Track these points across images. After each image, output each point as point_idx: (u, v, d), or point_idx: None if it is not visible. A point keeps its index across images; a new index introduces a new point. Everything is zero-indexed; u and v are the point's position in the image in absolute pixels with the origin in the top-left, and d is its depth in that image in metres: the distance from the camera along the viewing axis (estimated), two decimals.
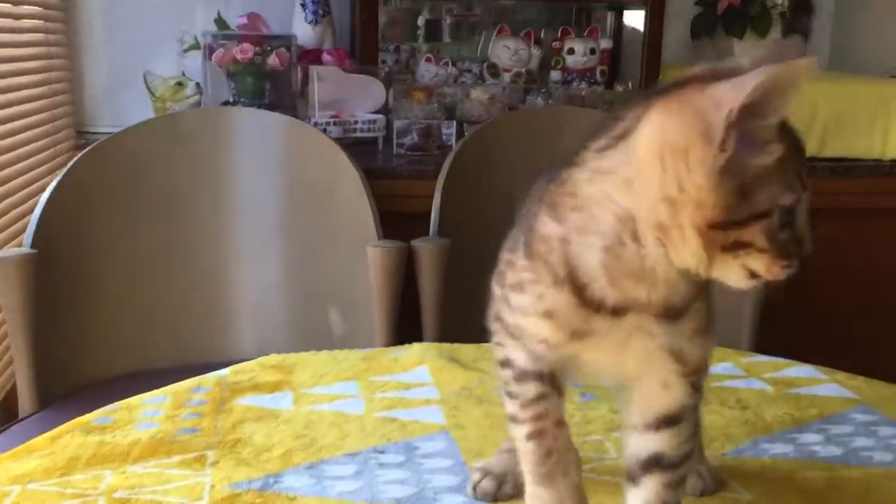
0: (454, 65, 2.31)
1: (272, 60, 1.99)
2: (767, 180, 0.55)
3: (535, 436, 0.67)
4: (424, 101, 2.13)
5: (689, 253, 0.56)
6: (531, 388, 0.66)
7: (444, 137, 2.09)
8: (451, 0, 2.28)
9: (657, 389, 0.64)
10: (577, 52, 2.31)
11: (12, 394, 1.61)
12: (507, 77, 2.31)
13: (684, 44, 2.42)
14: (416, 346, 1.14)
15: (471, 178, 1.84)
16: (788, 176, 0.56)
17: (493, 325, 0.68)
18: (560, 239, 0.60)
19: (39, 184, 1.92)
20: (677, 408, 0.64)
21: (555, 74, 2.34)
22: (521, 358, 0.66)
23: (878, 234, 2.08)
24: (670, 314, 0.61)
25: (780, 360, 1.11)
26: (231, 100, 2.04)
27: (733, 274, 0.57)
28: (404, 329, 1.67)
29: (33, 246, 1.55)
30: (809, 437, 0.93)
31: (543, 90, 2.26)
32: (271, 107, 1.99)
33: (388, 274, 1.65)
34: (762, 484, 0.82)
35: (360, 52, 2.18)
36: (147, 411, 0.93)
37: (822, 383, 1.07)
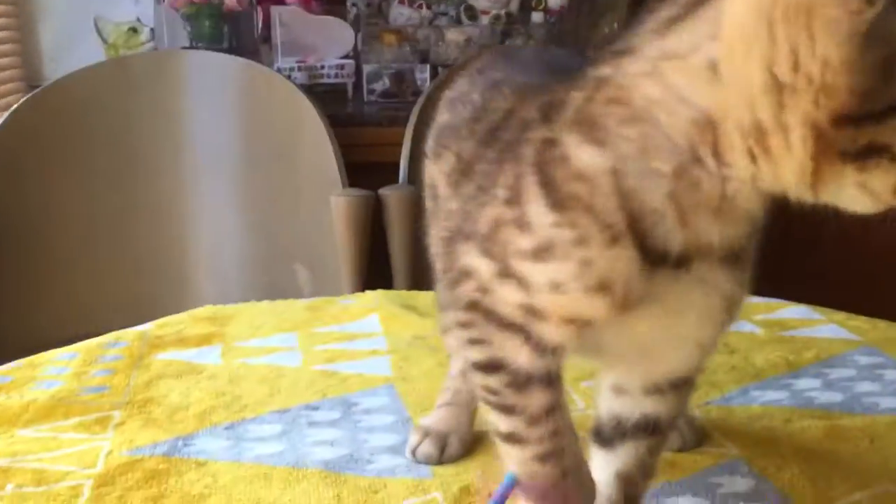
0: (429, 7, 2.18)
1: (230, 1, 1.85)
2: None
3: (549, 458, 0.49)
4: (396, 44, 2.00)
5: (792, 167, 0.40)
6: (539, 398, 0.48)
7: (418, 82, 1.97)
8: None
9: (688, 350, 0.49)
10: None
11: None
12: (485, 19, 2.18)
13: None
14: (368, 294, 1.03)
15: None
16: None
17: (462, 316, 0.48)
18: (609, 171, 0.42)
19: None
20: (695, 369, 0.51)
21: (536, 16, 2.21)
22: (522, 357, 0.46)
23: None
24: (733, 258, 0.45)
25: (773, 301, 1.00)
26: (189, 45, 1.91)
27: (848, 196, 0.41)
28: (376, 284, 1.57)
29: None
30: (806, 383, 0.82)
31: (524, 32, 2.13)
32: (231, 52, 1.86)
33: (354, 225, 1.54)
34: (752, 435, 0.71)
35: None
36: (52, 369, 0.82)
37: (819, 324, 0.95)
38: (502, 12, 2.19)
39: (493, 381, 0.48)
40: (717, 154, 0.41)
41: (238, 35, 1.92)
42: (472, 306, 0.47)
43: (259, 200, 1.67)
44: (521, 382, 0.47)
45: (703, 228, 0.43)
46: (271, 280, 1.66)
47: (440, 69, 1.97)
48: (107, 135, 1.64)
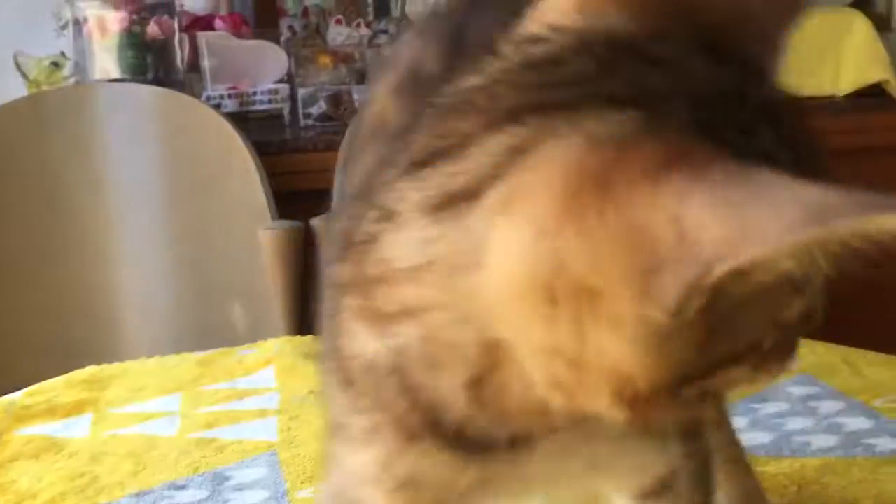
0: (368, 26, 2.11)
1: (152, 29, 1.78)
2: (761, 295, 0.30)
3: None
4: (332, 65, 1.94)
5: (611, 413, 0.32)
6: None
7: (356, 104, 1.90)
8: None
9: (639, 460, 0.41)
10: None
11: None
12: None
13: None
14: (269, 343, 0.95)
15: None
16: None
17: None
18: (391, 370, 0.34)
19: None
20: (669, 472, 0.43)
21: None
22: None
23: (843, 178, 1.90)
24: None
25: None
26: (113, 78, 1.83)
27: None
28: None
29: None
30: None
31: None
32: (157, 82, 1.79)
33: (283, 259, 1.46)
34: None
35: (258, 17, 1.98)
36: None
37: None
38: None
39: None
40: (520, 377, 0.32)
41: (164, 65, 1.85)
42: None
43: (188, 236, 1.60)
44: None
45: (534, 420, 0.34)
46: (205, 319, 1.59)
47: None
48: (24, 174, 1.57)
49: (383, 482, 0.36)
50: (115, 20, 1.76)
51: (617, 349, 0.29)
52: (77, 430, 0.76)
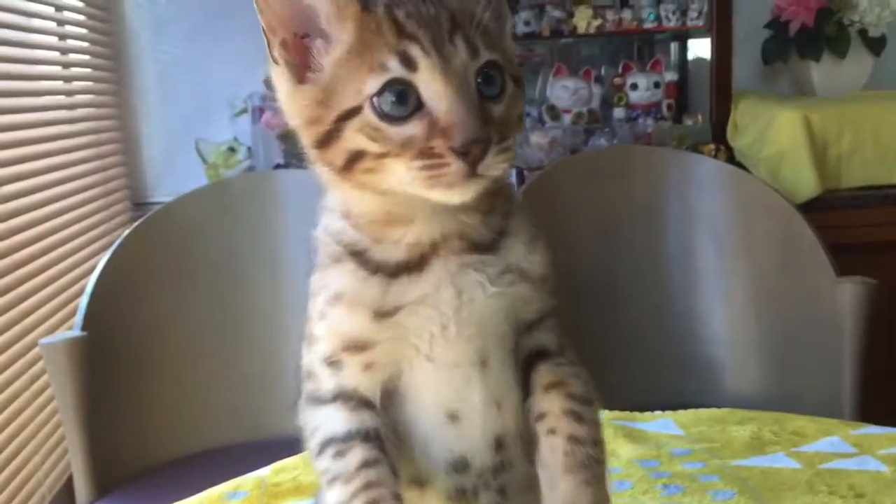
0: None
1: None
2: (347, 69, 0.51)
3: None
4: None
5: (333, 183, 0.54)
6: (355, 455, 0.54)
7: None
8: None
9: (500, 310, 0.56)
10: (641, 87, 2.20)
11: (72, 482, 1.56)
12: (567, 118, 2.21)
13: (756, 70, 2.28)
14: None
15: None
16: (382, 49, 0.49)
17: (301, 412, 0.57)
18: (329, 229, 0.56)
19: (93, 261, 1.89)
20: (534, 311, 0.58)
21: (618, 112, 2.23)
22: (339, 422, 0.55)
23: None
24: (486, 246, 0.55)
25: (894, 432, 0.96)
26: (283, 162, 1.99)
27: (386, 186, 0.51)
28: None
29: (84, 327, 1.49)
30: None
31: (606, 129, 2.15)
32: None
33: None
34: None
35: None
36: None
37: None
38: (584, 110, 2.22)
39: (325, 459, 0.54)
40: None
41: None
42: (309, 400, 0.56)
43: None
44: (342, 449, 0.54)
45: (397, 237, 0.54)
46: None
47: (526, 172, 1.99)
48: (209, 254, 1.69)
49: (331, 303, 0.55)
50: None
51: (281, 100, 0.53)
52: None
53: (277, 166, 1.99)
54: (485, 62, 0.51)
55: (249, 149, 2.03)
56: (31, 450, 1.58)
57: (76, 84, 1.98)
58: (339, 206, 0.56)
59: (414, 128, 0.49)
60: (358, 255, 0.54)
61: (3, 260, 1.50)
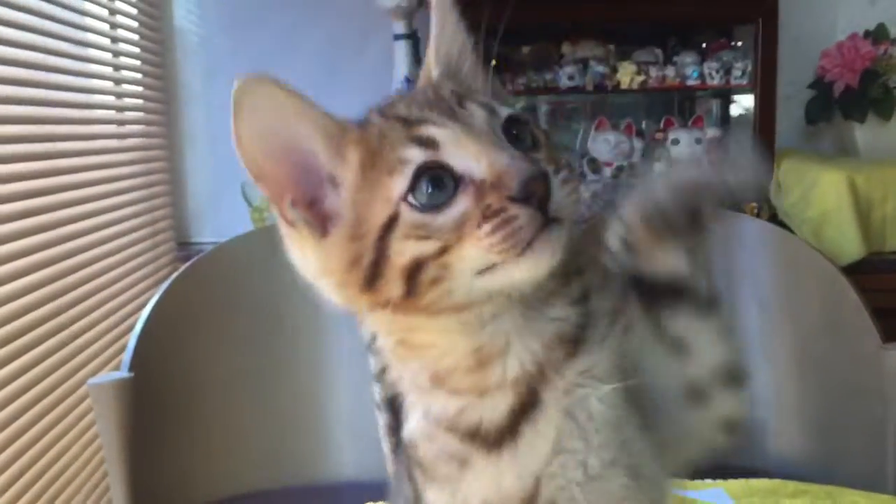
0: None
1: None
2: (366, 190, 0.46)
3: None
4: None
5: (404, 346, 0.50)
6: None
7: None
8: (547, 92, 2.23)
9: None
10: (682, 143, 2.21)
11: None
12: (608, 171, 2.22)
13: (799, 128, 2.28)
14: None
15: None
16: (396, 148, 0.46)
17: None
18: (424, 428, 0.51)
19: (140, 299, 1.92)
20: None
21: (659, 167, 2.24)
22: None
23: None
24: (577, 341, 0.48)
25: None
26: None
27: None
28: None
29: (131, 368, 1.52)
30: None
31: None
32: None
33: None
34: None
35: None
36: None
37: None
38: (625, 164, 2.23)
39: None
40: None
41: None
42: None
43: None
44: None
45: (497, 379, 0.48)
46: None
47: None
48: (254, 299, 1.71)
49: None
50: None
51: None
52: None
53: None
54: (506, 117, 0.48)
55: None
56: (73, 489, 1.60)
57: (128, 128, 2.03)
58: (424, 381, 0.49)
59: (462, 204, 0.44)
60: (477, 436, 0.47)
61: (54, 302, 1.53)
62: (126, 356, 1.53)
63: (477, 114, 0.47)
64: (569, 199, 0.45)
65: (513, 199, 0.43)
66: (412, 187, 0.45)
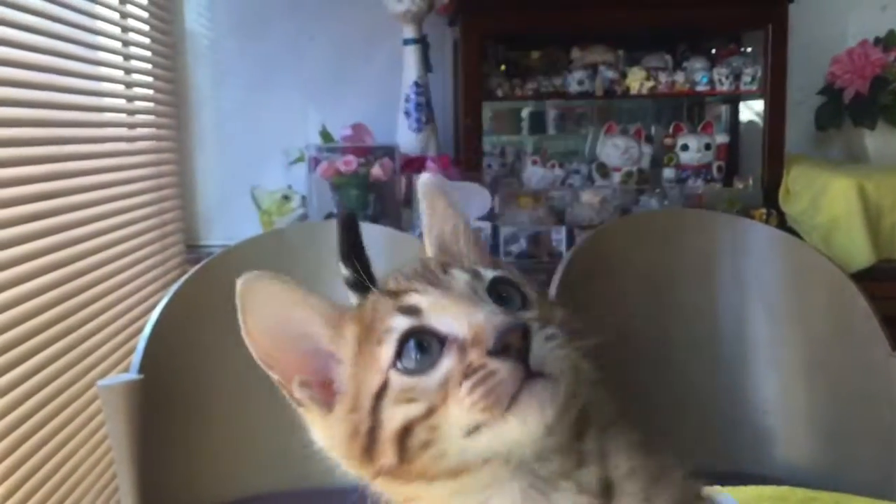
0: (561, 166, 2.25)
1: (376, 171, 1.96)
2: (361, 363, 0.48)
3: None
4: (531, 206, 2.07)
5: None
6: None
7: (553, 244, 2.01)
8: (556, 97, 2.23)
9: None
10: (692, 148, 2.21)
11: None
12: (617, 176, 2.22)
13: (809, 135, 2.28)
14: None
15: (584, 288, 1.74)
16: (384, 319, 0.48)
17: None
18: None
19: (149, 302, 1.92)
20: None
21: (668, 172, 2.24)
22: None
23: None
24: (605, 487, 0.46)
25: None
26: (335, 212, 2.02)
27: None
28: None
29: (141, 370, 1.52)
30: None
31: (657, 190, 2.16)
32: (375, 218, 1.96)
33: None
34: None
35: (465, 159, 2.14)
36: None
37: None
38: (634, 169, 2.23)
39: None
40: None
41: (382, 201, 2.03)
42: None
43: None
44: None
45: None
46: None
47: (576, 230, 2.01)
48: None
49: None
50: (344, 163, 1.95)
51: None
52: None
53: (329, 215, 2.03)
54: (492, 279, 0.49)
55: (304, 197, 2.07)
56: (83, 490, 1.60)
57: (139, 131, 2.04)
58: None
59: (446, 364, 0.45)
60: None
61: (64, 304, 1.54)
62: (136, 358, 1.54)
63: (459, 277, 0.48)
64: (554, 354, 0.44)
65: (491, 354, 0.43)
66: (399, 353, 0.46)
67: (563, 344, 0.44)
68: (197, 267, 1.71)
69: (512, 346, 0.43)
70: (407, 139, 2.13)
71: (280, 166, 2.18)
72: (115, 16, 1.91)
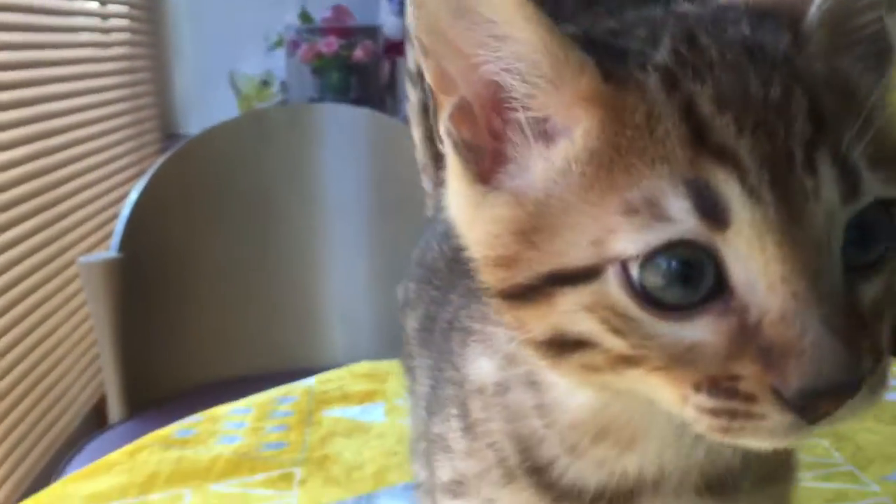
0: None
1: (358, 53, 1.92)
2: (576, 189, 0.29)
3: None
4: None
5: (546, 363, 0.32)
6: None
7: None
8: None
9: None
10: None
11: (104, 400, 1.59)
12: None
13: None
14: None
15: None
16: (656, 169, 0.27)
17: None
18: (497, 386, 0.36)
19: (127, 187, 1.90)
20: None
21: None
22: None
23: None
24: (720, 487, 0.35)
25: None
26: (317, 96, 1.98)
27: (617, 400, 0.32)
28: None
29: (120, 250, 1.51)
30: None
31: None
32: (358, 102, 1.93)
33: None
34: None
35: None
36: (230, 423, 0.86)
37: None
38: None
39: None
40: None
41: (365, 85, 1.99)
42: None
43: (387, 248, 1.70)
44: None
45: (604, 457, 0.34)
46: (401, 327, 1.68)
47: None
48: (242, 185, 1.70)
49: None
50: (325, 45, 1.91)
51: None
52: (374, 415, 0.87)
53: (311, 100, 1.99)
54: (866, 205, 0.28)
55: (283, 82, 2.03)
56: (64, 367, 1.61)
57: (112, 21, 1.98)
58: (527, 375, 0.35)
59: (705, 330, 0.28)
60: (538, 474, 0.35)
61: (40, 178, 1.52)
62: (114, 238, 1.53)
63: (823, 190, 0.27)
64: (845, 418, 0.28)
65: (778, 395, 0.27)
66: (649, 256, 0.28)
67: (884, 385, 0.29)
68: (176, 148, 1.68)
69: (817, 409, 0.27)
70: (390, 22, 2.08)
71: (259, 51, 2.12)
72: None
